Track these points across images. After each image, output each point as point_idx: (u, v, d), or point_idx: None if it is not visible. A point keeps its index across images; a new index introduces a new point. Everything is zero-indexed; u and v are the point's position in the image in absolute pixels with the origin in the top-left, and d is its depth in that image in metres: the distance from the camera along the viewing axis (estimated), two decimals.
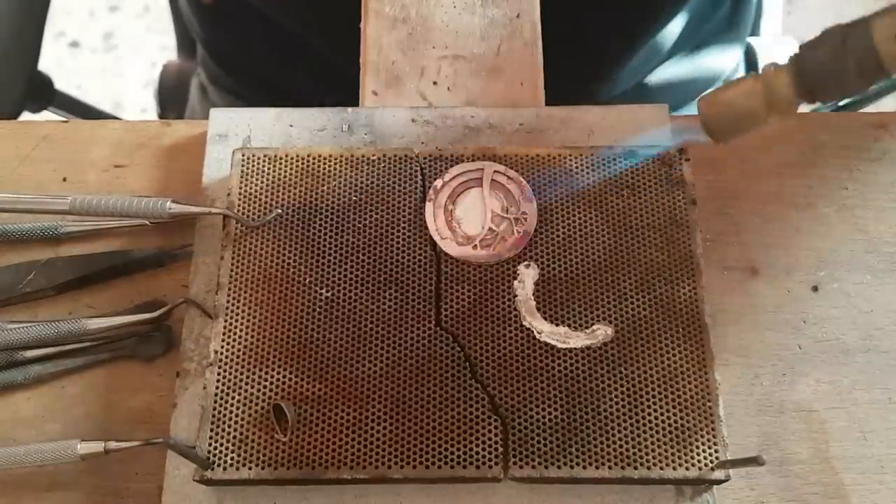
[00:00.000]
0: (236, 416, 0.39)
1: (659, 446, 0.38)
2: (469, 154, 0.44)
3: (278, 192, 0.43)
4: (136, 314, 0.42)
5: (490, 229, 0.43)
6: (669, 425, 0.38)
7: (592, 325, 0.40)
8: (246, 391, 0.39)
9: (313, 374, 0.40)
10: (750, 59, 0.82)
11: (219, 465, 0.38)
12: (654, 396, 0.39)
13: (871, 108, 0.72)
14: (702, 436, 0.38)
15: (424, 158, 0.44)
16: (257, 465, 0.38)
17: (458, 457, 0.38)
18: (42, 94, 0.76)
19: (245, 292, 0.41)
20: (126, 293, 0.44)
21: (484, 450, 0.38)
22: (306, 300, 0.41)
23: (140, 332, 0.43)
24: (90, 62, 1.56)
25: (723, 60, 0.76)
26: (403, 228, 0.43)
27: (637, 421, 0.38)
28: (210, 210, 0.44)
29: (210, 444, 0.38)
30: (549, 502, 0.39)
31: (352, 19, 0.50)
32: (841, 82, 0.33)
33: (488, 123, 0.47)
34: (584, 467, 0.38)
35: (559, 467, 0.38)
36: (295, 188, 0.44)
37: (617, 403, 0.39)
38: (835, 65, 0.33)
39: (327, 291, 0.41)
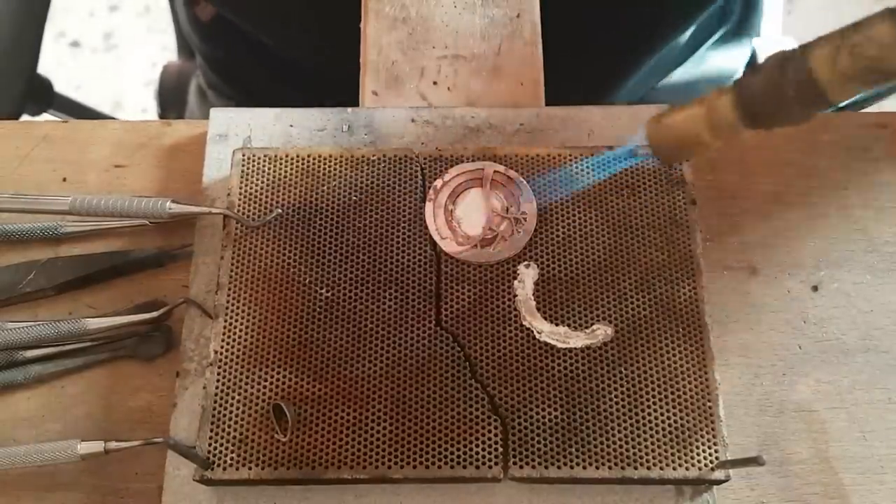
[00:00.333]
0: (236, 416, 0.39)
1: (659, 446, 0.38)
2: (469, 154, 0.44)
3: (278, 192, 0.43)
4: (136, 314, 0.42)
5: (490, 229, 0.43)
6: (669, 425, 0.38)
7: (592, 325, 0.40)
8: (246, 391, 0.39)
9: (313, 374, 0.40)
10: (750, 59, 0.81)
11: (219, 465, 0.38)
12: (654, 396, 0.39)
13: (871, 109, 0.72)
14: (702, 436, 0.38)
15: (424, 158, 0.44)
16: (257, 465, 0.38)
17: (458, 457, 0.38)
18: (42, 96, 0.76)
19: (245, 292, 0.41)
20: (126, 293, 0.44)
21: (484, 450, 0.38)
22: (306, 300, 0.41)
23: (140, 332, 0.43)
24: (90, 62, 1.56)
25: (731, 61, 0.76)
26: (403, 228, 0.43)
27: (637, 421, 0.38)
28: (210, 210, 0.44)
29: (210, 444, 0.38)
30: (549, 502, 0.39)
31: (351, 45, 0.50)
32: (781, 110, 0.32)
33: (488, 123, 0.47)
34: (584, 467, 0.38)
35: (559, 467, 0.38)
36: (295, 188, 0.44)
37: (617, 403, 0.39)
38: (774, 92, 0.32)
39: (327, 291, 0.41)
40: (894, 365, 0.43)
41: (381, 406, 0.39)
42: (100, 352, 0.43)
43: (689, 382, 0.39)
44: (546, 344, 0.40)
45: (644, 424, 0.38)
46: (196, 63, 0.83)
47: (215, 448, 0.38)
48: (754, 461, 0.36)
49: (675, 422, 0.38)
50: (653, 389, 0.39)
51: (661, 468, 0.38)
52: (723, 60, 0.75)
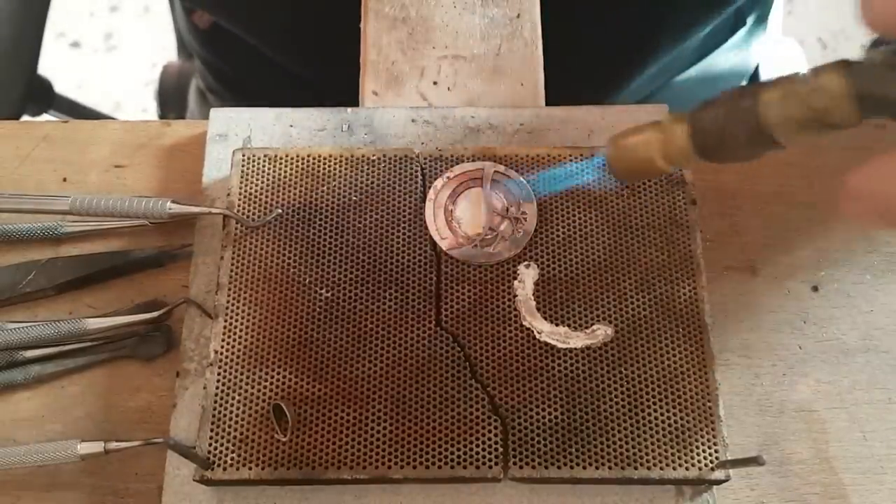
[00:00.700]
0: (236, 416, 0.39)
1: (659, 446, 0.38)
2: (469, 154, 0.44)
3: (278, 192, 0.43)
4: (136, 314, 0.42)
5: (490, 229, 0.43)
6: (669, 425, 0.38)
7: (592, 325, 0.40)
8: (246, 391, 0.39)
9: (313, 374, 0.40)
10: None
11: (219, 465, 0.38)
12: (654, 396, 0.39)
13: None
14: (702, 436, 0.38)
15: (424, 158, 0.44)
16: (257, 466, 0.38)
17: (458, 457, 0.38)
18: (42, 96, 0.76)
19: (245, 292, 0.41)
20: (126, 293, 0.44)
21: (484, 450, 0.38)
22: (306, 300, 0.41)
23: (140, 332, 0.43)
24: (90, 62, 1.56)
25: (744, 59, 0.75)
26: (403, 228, 0.43)
27: (637, 421, 0.38)
28: (210, 210, 0.44)
29: (210, 444, 0.38)
30: (549, 502, 0.39)
31: (348, 56, 0.50)
32: (729, 149, 0.32)
33: (488, 124, 0.47)
34: (584, 467, 0.38)
35: (559, 467, 0.38)
36: (295, 188, 0.44)
37: (617, 403, 0.39)
38: (724, 131, 0.31)
39: (327, 291, 0.41)
40: (894, 365, 0.43)
41: (381, 406, 0.39)
42: (100, 352, 0.43)
43: (689, 382, 0.39)
44: (546, 344, 0.40)
45: (644, 424, 0.38)
46: (195, 65, 0.83)
47: (215, 448, 0.38)
48: (754, 461, 0.36)
49: (676, 422, 0.38)
50: (653, 389, 0.39)
51: (662, 468, 0.38)
52: (736, 58, 0.74)
